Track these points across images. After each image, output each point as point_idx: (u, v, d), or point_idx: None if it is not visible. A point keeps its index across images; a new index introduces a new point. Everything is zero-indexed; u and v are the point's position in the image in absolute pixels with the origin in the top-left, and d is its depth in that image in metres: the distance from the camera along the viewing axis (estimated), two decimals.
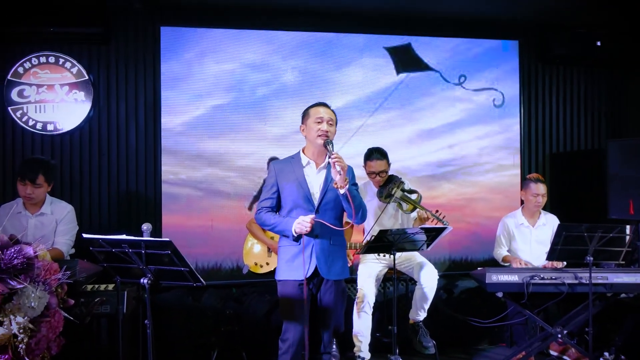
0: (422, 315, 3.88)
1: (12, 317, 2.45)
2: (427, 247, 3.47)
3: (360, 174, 3.78)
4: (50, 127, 4.20)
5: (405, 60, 4.72)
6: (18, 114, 4.15)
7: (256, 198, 4.43)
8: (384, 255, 3.66)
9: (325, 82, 4.58)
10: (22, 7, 4.00)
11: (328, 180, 2.90)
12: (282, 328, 2.94)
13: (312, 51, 4.57)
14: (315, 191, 2.91)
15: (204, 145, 4.40)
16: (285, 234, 2.90)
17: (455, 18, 4.73)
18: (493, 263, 4.28)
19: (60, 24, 4.09)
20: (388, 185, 3.86)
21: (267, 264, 4.07)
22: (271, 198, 2.96)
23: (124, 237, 2.47)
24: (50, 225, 3.53)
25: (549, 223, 4.14)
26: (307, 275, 2.85)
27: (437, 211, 3.72)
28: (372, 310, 3.74)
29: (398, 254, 3.44)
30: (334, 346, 3.76)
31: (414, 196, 3.84)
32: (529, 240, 4.13)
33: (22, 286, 2.47)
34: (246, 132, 4.46)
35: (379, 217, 3.88)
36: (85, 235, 2.50)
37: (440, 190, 4.80)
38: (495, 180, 4.91)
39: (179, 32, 4.35)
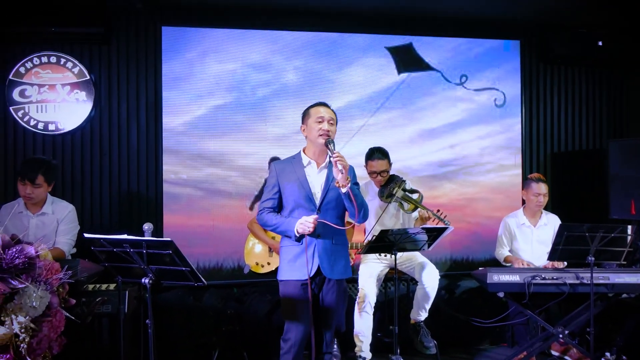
0: (423, 315, 3.88)
1: (13, 316, 2.46)
2: (429, 247, 3.46)
3: (362, 174, 3.78)
4: (51, 127, 4.20)
5: (407, 60, 4.72)
6: (20, 113, 4.15)
7: (257, 198, 4.43)
8: (385, 255, 3.65)
9: (326, 82, 4.58)
10: (23, 7, 4.00)
11: (329, 179, 2.90)
12: (284, 328, 2.93)
13: (314, 51, 4.57)
14: (317, 191, 2.91)
15: (205, 145, 4.40)
16: (287, 235, 2.90)
17: (456, 18, 4.74)
18: (494, 263, 4.28)
19: (61, 24, 4.09)
20: (389, 185, 3.85)
21: (269, 263, 4.07)
22: (273, 198, 2.96)
23: (125, 236, 2.47)
24: (52, 225, 3.53)
25: (551, 223, 4.14)
26: (310, 275, 2.85)
27: (438, 211, 3.72)
28: (373, 310, 3.74)
29: (399, 254, 3.44)
30: (335, 346, 3.77)
31: (415, 196, 3.83)
32: (530, 240, 4.13)
33: (23, 286, 2.48)
34: (247, 132, 4.47)
35: (380, 216, 3.87)
36: (86, 235, 2.50)
37: (441, 190, 4.80)
38: (496, 180, 4.91)
39: (180, 32, 4.35)
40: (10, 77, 4.13)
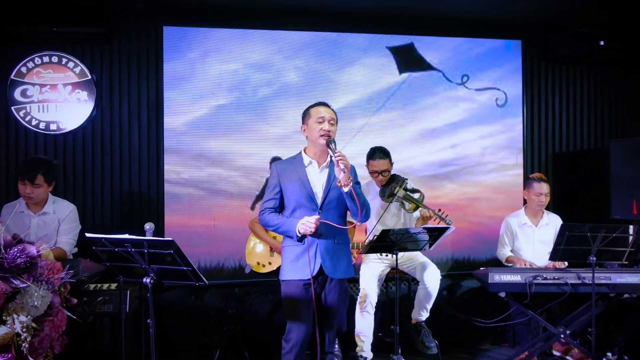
0: (424, 315, 3.88)
1: (15, 316, 2.46)
2: (430, 246, 3.46)
3: (363, 174, 3.78)
4: (53, 127, 4.21)
5: (408, 60, 4.72)
6: (21, 113, 4.16)
7: (259, 197, 4.43)
8: (387, 255, 3.65)
9: (327, 81, 4.58)
10: (24, 7, 4.01)
11: (331, 179, 2.90)
12: (286, 328, 2.93)
13: (315, 51, 4.57)
14: (318, 190, 2.91)
15: (207, 145, 4.40)
16: (289, 235, 2.89)
17: (457, 18, 4.73)
18: (496, 263, 4.28)
19: (62, 23, 4.09)
20: (390, 185, 3.85)
21: (270, 263, 4.07)
22: (274, 199, 2.95)
23: (126, 236, 2.47)
24: (53, 224, 3.53)
25: (552, 223, 4.14)
26: (313, 275, 2.85)
27: (439, 210, 3.72)
28: (374, 310, 3.74)
29: (400, 254, 3.44)
30: (337, 346, 3.77)
31: (416, 195, 3.83)
32: (531, 240, 4.13)
33: (25, 285, 2.48)
34: (248, 132, 4.46)
35: (382, 216, 3.87)
36: (88, 235, 2.50)
37: (442, 189, 4.80)
38: (498, 179, 4.90)
39: (181, 31, 4.36)
40: (12, 77, 4.13)
